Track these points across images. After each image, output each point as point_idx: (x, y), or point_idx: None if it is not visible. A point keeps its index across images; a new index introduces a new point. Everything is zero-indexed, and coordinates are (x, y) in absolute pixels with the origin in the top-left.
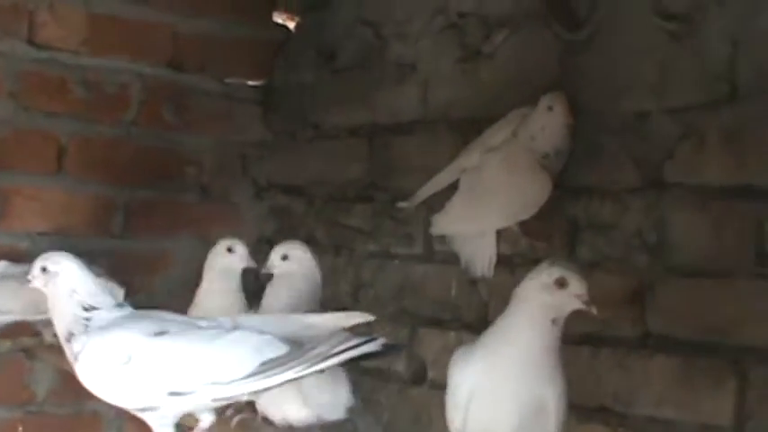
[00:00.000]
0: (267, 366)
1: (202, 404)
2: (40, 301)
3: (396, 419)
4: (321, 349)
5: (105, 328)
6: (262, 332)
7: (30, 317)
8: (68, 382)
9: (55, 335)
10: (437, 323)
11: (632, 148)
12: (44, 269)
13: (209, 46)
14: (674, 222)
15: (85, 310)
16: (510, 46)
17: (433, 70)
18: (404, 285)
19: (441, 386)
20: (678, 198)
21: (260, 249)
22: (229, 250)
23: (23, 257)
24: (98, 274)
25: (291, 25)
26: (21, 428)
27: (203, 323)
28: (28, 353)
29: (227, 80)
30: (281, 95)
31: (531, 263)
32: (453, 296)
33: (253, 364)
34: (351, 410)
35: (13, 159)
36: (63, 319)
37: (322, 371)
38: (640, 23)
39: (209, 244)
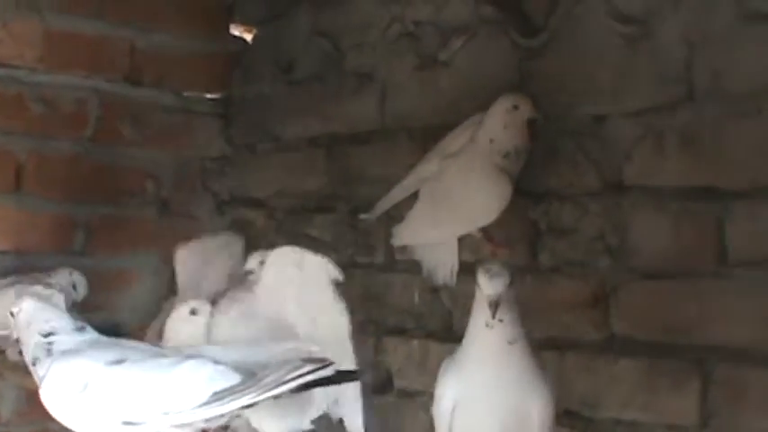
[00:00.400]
0: (220, 395)
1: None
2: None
3: None
4: (274, 376)
5: (67, 353)
6: (217, 362)
7: None
8: (33, 402)
9: (20, 352)
10: (401, 332)
11: (591, 152)
12: (11, 313)
13: (167, 60)
14: (634, 225)
15: (45, 336)
16: (467, 53)
17: (391, 79)
18: (367, 295)
19: (407, 394)
20: (638, 200)
21: None
22: (193, 313)
23: None
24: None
25: (248, 37)
26: None
27: (165, 351)
28: None
29: (186, 94)
30: (240, 108)
31: None
32: (417, 304)
33: (205, 394)
34: (317, 421)
35: None
36: (27, 347)
37: (277, 397)
38: (596, 28)
39: (170, 260)
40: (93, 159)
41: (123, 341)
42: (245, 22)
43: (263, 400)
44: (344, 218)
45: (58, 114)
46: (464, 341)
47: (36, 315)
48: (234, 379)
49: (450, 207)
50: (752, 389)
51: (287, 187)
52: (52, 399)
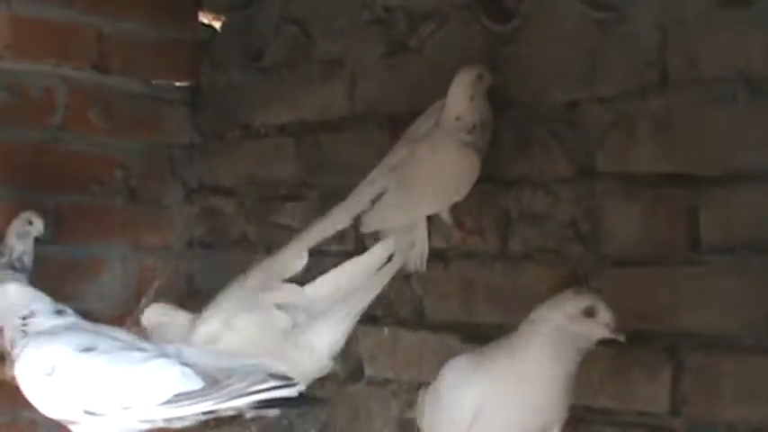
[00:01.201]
0: (180, 398)
1: (123, 428)
2: None
3: (334, 417)
4: (236, 387)
5: (41, 335)
6: (184, 364)
7: None
8: (3, 390)
9: None
10: (371, 319)
11: (563, 138)
12: None
13: (135, 48)
14: (606, 211)
15: (23, 319)
16: (437, 39)
17: (361, 66)
18: None
19: (377, 383)
20: (610, 187)
21: (191, 252)
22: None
23: None
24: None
25: (217, 25)
26: None
27: (144, 344)
28: None
29: (154, 82)
30: (209, 96)
31: (464, 256)
32: (387, 292)
33: (167, 395)
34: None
35: None
36: (7, 331)
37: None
38: (568, 13)
39: (139, 248)
40: (62, 147)
41: (103, 328)
42: (214, 10)
43: (223, 410)
44: (315, 205)
45: (25, 102)
46: (508, 348)
47: (17, 298)
48: (197, 384)
49: (419, 188)
50: (724, 376)
51: (256, 175)
52: (23, 380)
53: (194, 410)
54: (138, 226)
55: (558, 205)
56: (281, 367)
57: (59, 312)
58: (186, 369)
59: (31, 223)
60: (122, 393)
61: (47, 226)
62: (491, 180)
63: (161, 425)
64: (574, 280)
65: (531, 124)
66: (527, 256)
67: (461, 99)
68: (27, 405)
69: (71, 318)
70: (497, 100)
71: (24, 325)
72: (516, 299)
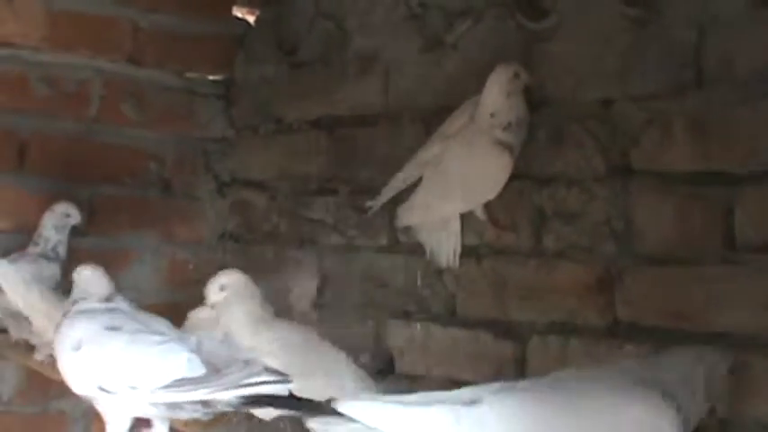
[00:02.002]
0: (181, 383)
1: (133, 408)
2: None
3: None
4: (233, 378)
5: (79, 314)
6: (192, 350)
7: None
8: (34, 381)
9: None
10: (404, 315)
11: (598, 136)
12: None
13: (170, 41)
14: (641, 210)
15: (74, 303)
16: (473, 36)
17: (395, 61)
18: (369, 277)
19: (408, 378)
20: (645, 185)
21: (223, 245)
22: None
23: None
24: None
25: (251, 19)
26: None
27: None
28: None
29: (188, 75)
30: (243, 90)
31: (497, 253)
32: (419, 287)
33: (168, 379)
34: None
35: None
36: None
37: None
38: (604, 11)
39: (171, 241)
40: (96, 139)
41: (142, 315)
42: (248, 4)
43: (218, 399)
44: (346, 200)
45: (61, 94)
46: None
47: (89, 282)
48: (199, 371)
49: (452, 184)
50: (758, 376)
51: (289, 169)
52: (57, 354)
53: (191, 397)
54: (170, 218)
55: (593, 203)
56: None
57: (107, 299)
58: (192, 356)
59: (68, 216)
60: (131, 373)
61: (82, 217)
62: (526, 177)
63: (164, 411)
64: (607, 278)
65: (565, 122)
66: (560, 254)
67: (497, 96)
68: (56, 396)
69: (117, 303)
70: (532, 98)
71: (71, 308)
72: (549, 296)
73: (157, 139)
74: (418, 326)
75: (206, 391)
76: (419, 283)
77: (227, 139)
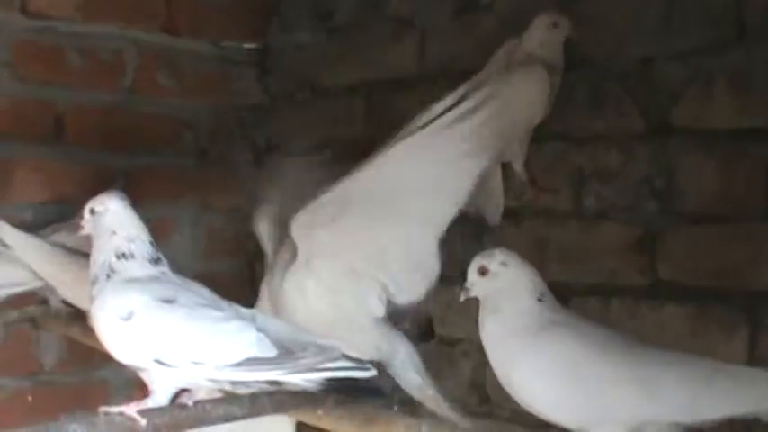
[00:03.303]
0: (252, 363)
1: (190, 381)
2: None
3: None
4: (308, 360)
5: (126, 281)
6: (260, 330)
7: (39, 283)
8: (76, 351)
9: (62, 301)
10: (443, 279)
11: (638, 95)
12: (92, 210)
13: (204, 9)
14: (682, 168)
15: (117, 257)
16: None
17: (431, 25)
18: None
19: (448, 342)
20: (686, 143)
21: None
22: None
23: (27, 228)
24: None
25: None
26: (30, 398)
27: (223, 304)
28: (34, 323)
29: (223, 43)
30: (278, 57)
31: (537, 214)
32: (459, 251)
33: (238, 357)
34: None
35: (12, 130)
36: (95, 262)
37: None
38: None
39: (208, 210)
40: (132, 109)
41: (190, 283)
42: None
43: (290, 381)
44: None
45: (96, 65)
46: None
47: (123, 226)
48: (271, 351)
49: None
50: None
51: (325, 135)
52: (99, 320)
53: (262, 377)
54: (206, 188)
55: (633, 162)
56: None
57: (155, 261)
58: (262, 335)
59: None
60: (196, 348)
61: (117, 188)
62: (565, 137)
63: (227, 386)
64: (648, 237)
65: (604, 81)
66: (601, 214)
67: (533, 41)
68: (98, 366)
69: (163, 268)
70: (570, 57)
71: (112, 270)
72: (590, 257)
73: (193, 109)
74: (457, 290)
75: (279, 372)
76: (459, 246)
77: (262, 107)
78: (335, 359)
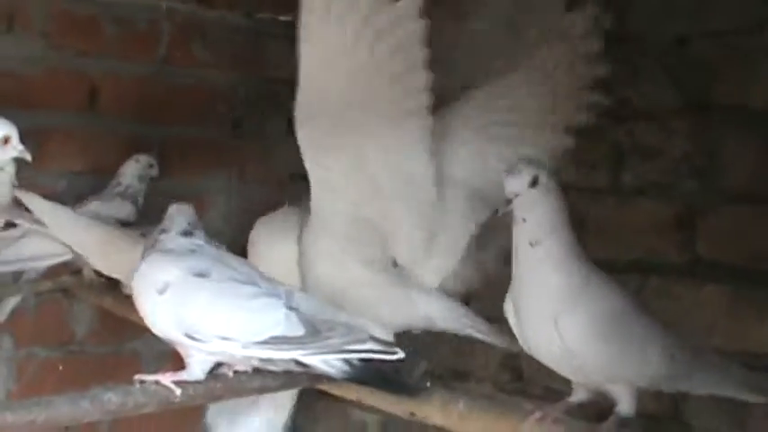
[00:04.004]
0: (278, 341)
1: (220, 357)
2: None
3: (437, 354)
4: (335, 341)
5: (162, 253)
6: (292, 308)
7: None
8: (108, 322)
9: (95, 271)
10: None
11: (677, 72)
12: None
13: None
14: (722, 146)
15: (159, 233)
16: None
17: None
18: None
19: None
20: (726, 121)
21: (293, 186)
22: None
23: (61, 198)
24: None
25: None
26: (61, 368)
27: (258, 279)
28: (67, 293)
29: (257, 16)
30: None
31: (575, 190)
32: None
33: (265, 335)
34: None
35: (47, 99)
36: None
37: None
38: None
39: (242, 182)
40: (166, 80)
41: (227, 256)
42: None
43: (315, 364)
44: None
45: (131, 35)
46: None
47: (173, 217)
48: (298, 330)
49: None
50: None
51: None
52: (137, 292)
53: (288, 356)
54: (241, 159)
55: (672, 139)
56: (386, 336)
57: (188, 234)
58: (291, 314)
59: (151, 166)
60: (224, 324)
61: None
62: (603, 114)
63: (256, 363)
64: (687, 215)
65: (644, 57)
66: (639, 191)
67: None
68: (130, 337)
69: (198, 241)
70: (608, 34)
71: (156, 241)
72: (628, 234)
73: (227, 80)
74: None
75: (304, 352)
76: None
77: (296, 79)
78: (363, 341)
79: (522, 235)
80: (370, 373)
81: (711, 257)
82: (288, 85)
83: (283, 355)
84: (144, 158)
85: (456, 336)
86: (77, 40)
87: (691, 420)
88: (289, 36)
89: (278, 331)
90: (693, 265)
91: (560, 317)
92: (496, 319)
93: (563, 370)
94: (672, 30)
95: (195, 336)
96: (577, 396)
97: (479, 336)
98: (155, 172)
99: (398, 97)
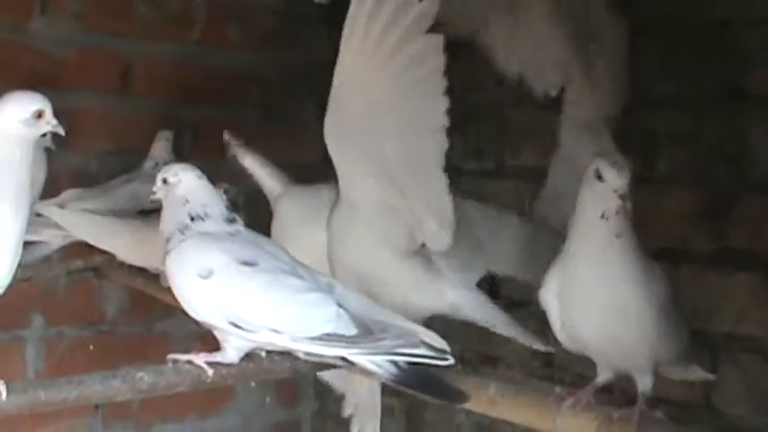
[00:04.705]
0: (331, 338)
1: (262, 345)
2: None
3: (468, 338)
4: (387, 342)
5: (204, 236)
6: (341, 305)
7: None
8: (138, 302)
9: None
10: None
11: (713, 58)
12: (165, 180)
13: None
14: (755, 134)
15: (192, 219)
16: None
17: None
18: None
19: (514, 303)
20: (760, 109)
21: (324, 171)
22: None
23: (93, 178)
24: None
25: None
26: (91, 348)
27: (301, 270)
28: (98, 272)
29: None
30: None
31: None
32: (527, 212)
33: (317, 331)
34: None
35: (80, 80)
36: (170, 223)
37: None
38: None
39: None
40: (200, 62)
41: (265, 242)
42: None
43: (363, 363)
44: (458, 123)
45: (165, 16)
46: (570, 233)
47: (196, 195)
48: (350, 329)
49: None
50: None
51: None
52: (175, 275)
53: (338, 353)
54: (273, 142)
55: (706, 127)
56: (438, 340)
57: (231, 221)
58: (342, 311)
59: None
60: (275, 316)
61: (186, 140)
62: (637, 100)
63: (300, 356)
64: (719, 204)
65: (679, 43)
66: (672, 178)
67: None
68: (160, 317)
69: (240, 227)
70: (646, 18)
71: (186, 227)
72: (659, 221)
73: (261, 63)
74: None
75: (356, 351)
76: (527, 207)
77: (331, 64)
78: (416, 345)
79: (608, 228)
80: (418, 378)
81: (742, 246)
82: (322, 68)
83: (333, 353)
84: (169, 134)
85: None
86: (111, 21)
87: (721, 407)
88: (323, 19)
89: (330, 328)
90: (724, 253)
91: (635, 303)
92: (525, 302)
93: (612, 352)
94: (712, 14)
95: (242, 325)
96: (604, 376)
97: (503, 328)
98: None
99: (419, 119)
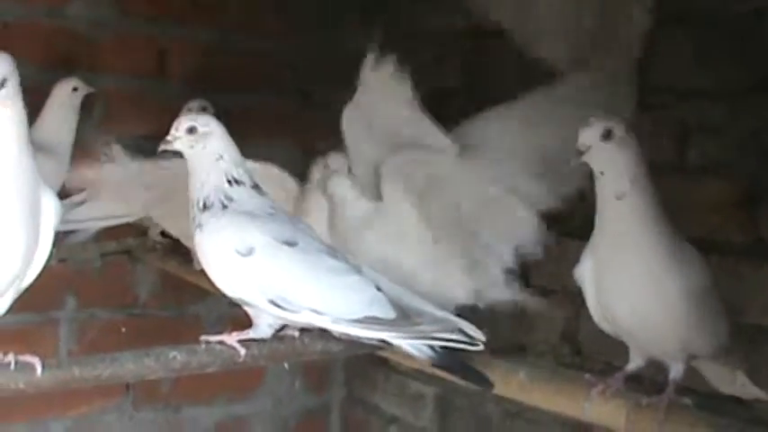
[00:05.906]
0: (371, 321)
1: (297, 324)
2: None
3: (496, 326)
4: (424, 327)
5: (243, 214)
6: (379, 288)
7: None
8: (170, 286)
9: (161, 232)
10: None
11: (746, 48)
12: (191, 129)
13: None
14: None
15: (229, 182)
16: None
17: None
18: None
19: (542, 292)
20: None
21: None
22: None
23: None
24: None
25: None
26: (124, 330)
27: (335, 252)
28: (131, 255)
29: None
30: (382, 1)
31: None
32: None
33: (359, 314)
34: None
35: (115, 64)
36: (203, 186)
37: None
38: None
39: (308, 152)
40: (233, 47)
41: (296, 221)
42: None
43: (400, 347)
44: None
45: (201, 1)
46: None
47: (230, 151)
48: (389, 312)
49: None
50: None
51: (424, 81)
52: (211, 250)
53: (378, 336)
54: (308, 129)
55: (739, 117)
56: (474, 329)
57: (256, 187)
58: (380, 295)
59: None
60: (318, 298)
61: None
62: (669, 91)
63: (335, 335)
64: (752, 195)
65: (711, 34)
66: (704, 169)
67: None
68: (192, 300)
69: (269, 200)
70: (677, 10)
71: (228, 198)
72: (691, 212)
73: (296, 49)
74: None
75: (394, 335)
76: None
77: (365, 50)
78: (451, 330)
79: (604, 189)
80: (453, 361)
81: None
82: (359, 55)
83: (373, 335)
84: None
85: (515, 309)
86: (147, 5)
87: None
88: (361, 6)
89: (371, 312)
90: (757, 245)
91: (659, 279)
92: (553, 291)
93: (643, 335)
94: (744, 5)
95: (282, 305)
96: (635, 363)
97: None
98: None
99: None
